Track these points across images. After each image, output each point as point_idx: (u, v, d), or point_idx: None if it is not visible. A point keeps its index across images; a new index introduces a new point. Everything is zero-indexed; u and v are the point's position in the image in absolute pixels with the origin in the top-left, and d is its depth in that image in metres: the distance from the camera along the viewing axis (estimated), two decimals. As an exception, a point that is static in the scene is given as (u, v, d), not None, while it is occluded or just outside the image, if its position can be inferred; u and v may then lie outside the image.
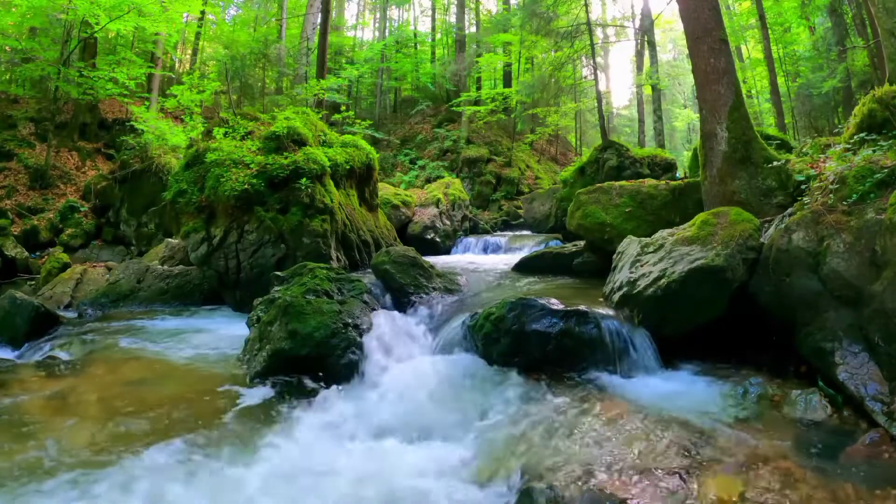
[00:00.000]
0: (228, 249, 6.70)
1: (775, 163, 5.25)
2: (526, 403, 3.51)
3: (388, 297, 5.57)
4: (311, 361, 4.17)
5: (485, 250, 11.25)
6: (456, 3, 25.94)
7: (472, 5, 26.47)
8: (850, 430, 2.92)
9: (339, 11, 30.53)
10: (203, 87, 12.21)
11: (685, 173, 11.41)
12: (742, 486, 2.45)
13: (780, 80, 16.25)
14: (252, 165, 6.92)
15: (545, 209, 13.85)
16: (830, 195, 3.80)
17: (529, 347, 4.00)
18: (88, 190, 12.84)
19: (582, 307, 4.15)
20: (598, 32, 17.54)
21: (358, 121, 12.77)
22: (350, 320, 4.46)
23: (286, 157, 6.95)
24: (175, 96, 11.87)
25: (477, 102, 20.24)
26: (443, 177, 16.66)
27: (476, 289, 5.99)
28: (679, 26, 12.51)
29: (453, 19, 26.91)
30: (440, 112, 23.07)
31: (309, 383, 4.07)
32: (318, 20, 16.28)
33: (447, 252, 11.63)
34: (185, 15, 17.04)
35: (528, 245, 10.41)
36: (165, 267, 7.80)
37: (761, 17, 14.44)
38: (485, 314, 4.24)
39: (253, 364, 4.34)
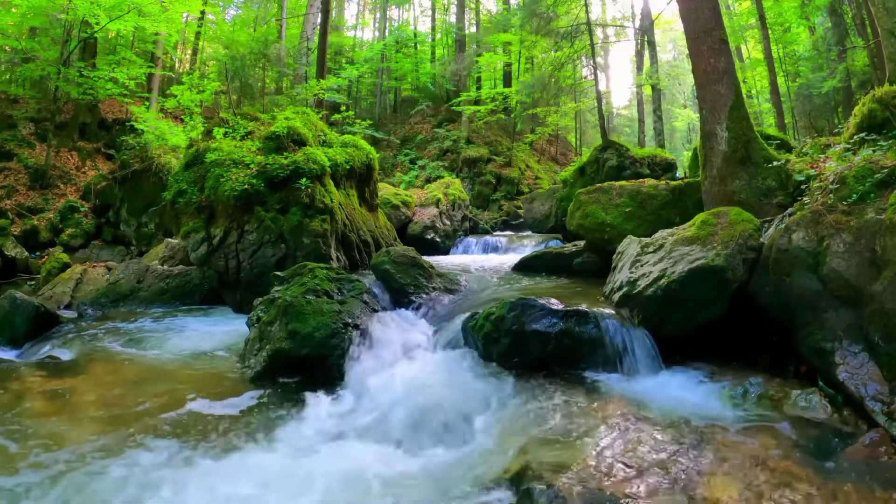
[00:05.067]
0: (228, 249, 6.70)
1: (775, 163, 5.25)
2: (526, 403, 3.51)
3: (388, 297, 5.57)
4: (312, 361, 4.17)
5: (485, 250, 11.26)
6: (456, 3, 25.95)
7: (472, 5, 26.47)
8: (850, 430, 2.92)
9: (339, 11, 30.55)
10: (203, 87, 12.21)
11: (685, 173, 11.43)
12: (742, 486, 2.45)
13: (780, 80, 16.26)
14: (252, 165, 6.92)
15: (545, 209, 13.85)
16: (830, 195, 3.79)
17: (529, 347, 4.00)
18: (88, 190, 12.84)
19: (582, 307, 4.16)
20: (598, 32, 17.54)
21: (358, 121, 12.76)
22: (350, 320, 4.46)
23: (286, 157, 6.95)
24: (175, 96, 11.87)
25: (477, 102, 20.24)
26: (443, 177, 16.67)
27: (476, 289, 5.99)
28: (679, 26, 12.51)
29: (453, 19, 26.92)
30: (440, 112, 23.08)
31: (309, 383, 4.07)
32: (318, 20, 16.27)
33: (447, 252, 11.63)
34: (185, 15, 17.07)
35: (528, 245, 10.42)
36: (165, 267, 7.79)
37: (761, 17, 14.44)
38: (485, 314, 4.24)
39: (253, 364, 4.34)
